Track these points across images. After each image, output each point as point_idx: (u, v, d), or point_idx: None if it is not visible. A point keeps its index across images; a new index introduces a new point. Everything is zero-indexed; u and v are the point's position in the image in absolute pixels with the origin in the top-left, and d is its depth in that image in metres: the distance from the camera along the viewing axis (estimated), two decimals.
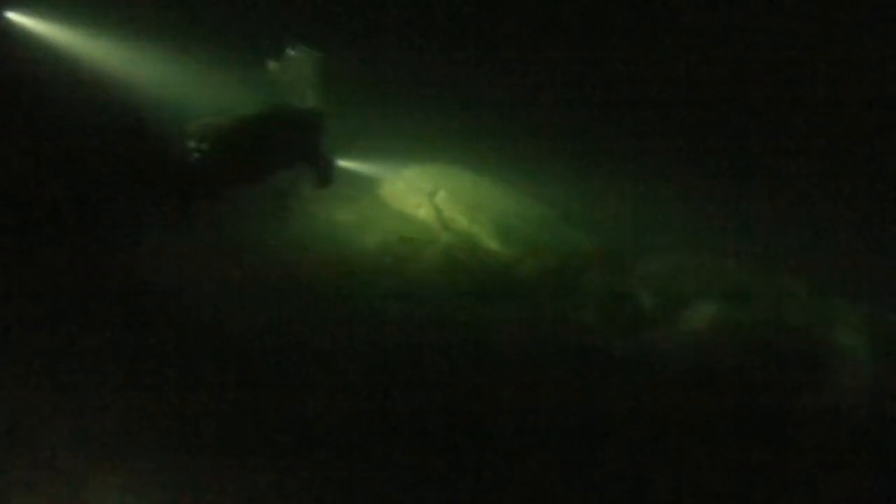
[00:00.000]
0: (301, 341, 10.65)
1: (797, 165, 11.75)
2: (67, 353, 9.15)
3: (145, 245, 10.86)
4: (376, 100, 12.37)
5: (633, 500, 9.74)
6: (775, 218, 11.87)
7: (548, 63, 12.47)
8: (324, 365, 10.41)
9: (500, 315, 12.22)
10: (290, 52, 11.43)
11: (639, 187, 12.71)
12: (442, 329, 11.79)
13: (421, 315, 11.98)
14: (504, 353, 11.58)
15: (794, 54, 11.57)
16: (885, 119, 11.00)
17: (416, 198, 13.93)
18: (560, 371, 11.44)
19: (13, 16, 11.98)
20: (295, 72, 11.52)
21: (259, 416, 9.24)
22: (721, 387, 11.42)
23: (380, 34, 12.15)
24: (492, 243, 13.70)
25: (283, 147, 10.71)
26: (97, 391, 8.76)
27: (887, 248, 11.21)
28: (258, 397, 9.55)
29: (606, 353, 11.85)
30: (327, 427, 9.51)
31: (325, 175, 11.30)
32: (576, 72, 12.34)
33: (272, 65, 11.38)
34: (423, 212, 13.88)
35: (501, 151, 13.14)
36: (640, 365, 11.73)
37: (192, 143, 9.96)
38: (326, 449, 9.09)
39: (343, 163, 12.12)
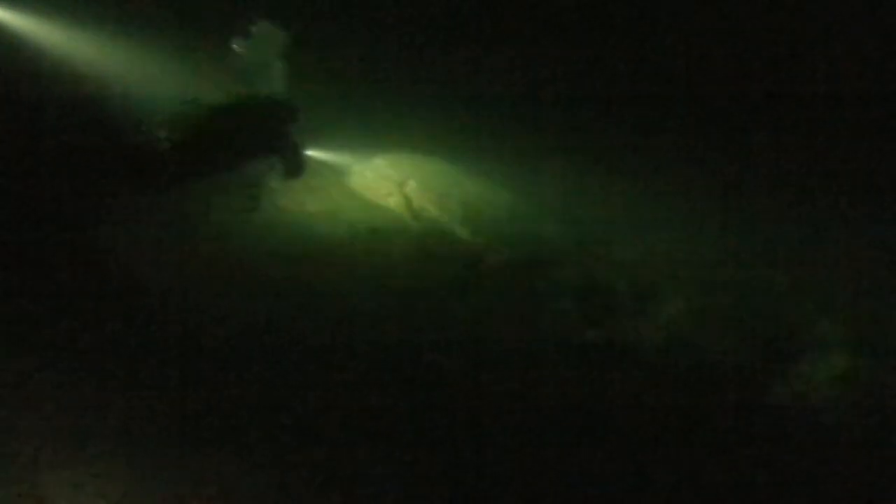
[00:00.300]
0: (269, 333, 10.49)
1: (776, 158, 11.79)
2: (40, 347, 8.93)
3: (114, 236, 10.61)
4: (345, 87, 12.13)
5: (607, 486, 9.77)
6: (755, 211, 11.89)
7: (517, 52, 12.33)
8: (294, 357, 10.29)
9: (473, 305, 12.14)
10: (255, 30, 11.20)
11: (611, 176, 12.64)
12: (413, 319, 11.70)
13: (392, 305, 11.87)
14: (477, 342, 11.53)
15: (764, 50, 11.60)
16: (867, 115, 11.08)
17: (386, 187, 13.78)
18: (534, 360, 11.43)
19: None
20: (260, 51, 11.29)
21: (233, 409, 9.13)
22: (695, 375, 11.49)
23: (348, 20, 11.89)
24: (463, 232, 13.60)
25: (254, 137, 10.44)
26: (66, 385, 8.61)
27: (873, 243, 11.30)
28: (229, 390, 9.45)
29: (581, 342, 11.85)
30: (303, 418, 9.47)
31: (294, 165, 11.04)
32: (545, 61, 12.22)
33: (237, 44, 11.14)
34: (393, 201, 13.73)
35: (471, 140, 12.99)
36: (614, 354, 11.75)
37: (161, 133, 9.70)
38: (303, 441, 9.03)
39: (311, 152, 11.86)
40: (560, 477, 9.91)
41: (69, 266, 10.11)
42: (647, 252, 13.23)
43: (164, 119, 9.87)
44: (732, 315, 12.09)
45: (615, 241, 13.42)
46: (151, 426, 8.42)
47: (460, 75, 12.43)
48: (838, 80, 10.93)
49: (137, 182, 9.72)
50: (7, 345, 8.72)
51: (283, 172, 11.11)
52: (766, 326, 11.85)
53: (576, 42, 12.29)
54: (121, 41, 11.82)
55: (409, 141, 13.05)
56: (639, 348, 11.91)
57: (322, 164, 12.85)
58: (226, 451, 8.46)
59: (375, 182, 13.80)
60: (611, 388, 11.28)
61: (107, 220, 10.67)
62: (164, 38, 11.74)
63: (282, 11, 10.87)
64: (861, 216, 11.36)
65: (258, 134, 10.52)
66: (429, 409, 10.30)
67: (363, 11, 11.98)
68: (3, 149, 10.51)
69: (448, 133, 12.71)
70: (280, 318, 10.99)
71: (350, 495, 8.48)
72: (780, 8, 10.89)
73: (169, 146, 9.65)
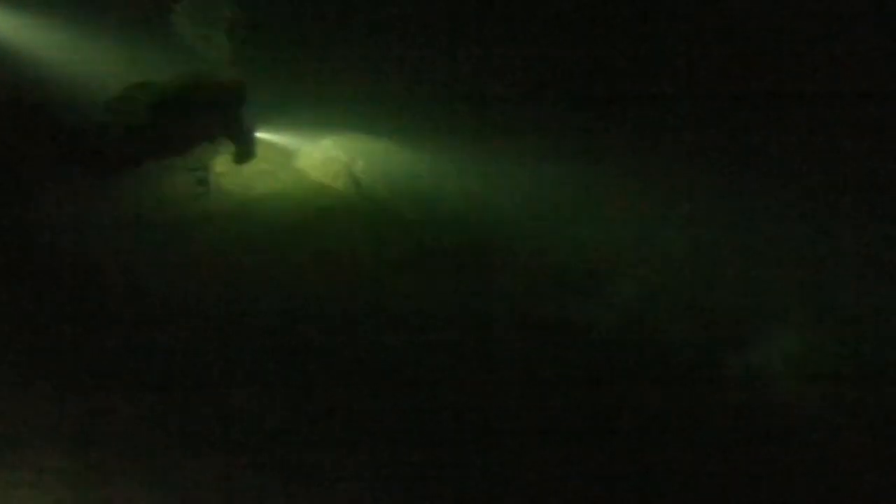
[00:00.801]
0: (216, 314, 10.50)
1: (735, 146, 11.92)
2: None
3: (62, 219, 10.42)
4: (291, 66, 11.91)
5: (557, 464, 9.95)
6: (707, 190, 11.98)
7: (464, 32, 12.28)
8: (242, 336, 10.30)
9: (422, 284, 12.14)
10: None
11: (562, 156, 12.60)
12: (363, 298, 11.67)
13: (341, 286, 11.83)
14: (426, 322, 11.55)
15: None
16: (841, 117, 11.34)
17: (334, 168, 13.64)
18: (485, 338, 11.49)
19: None
20: (203, 18, 11.10)
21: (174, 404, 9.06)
22: (649, 353, 11.61)
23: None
24: (412, 213, 13.57)
25: (204, 119, 10.29)
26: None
27: (827, 221, 11.48)
28: (177, 374, 9.42)
29: (532, 321, 11.90)
30: (247, 395, 9.44)
31: (244, 148, 10.92)
32: (496, 43, 12.20)
33: (179, 8, 10.96)
34: (341, 182, 13.61)
35: (419, 120, 12.87)
36: (566, 333, 11.84)
37: (112, 116, 9.50)
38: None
39: (259, 134, 11.65)
40: (508, 453, 10.03)
41: (17, 251, 9.92)
42: (600, 231, 13.15)
43: (113, 102, 9.66)
44: (686, 292, 12.16)
45: (568, 221, 13.34)
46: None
47: (408, 55, 12.35)
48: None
49: (88, 165, 9.49)
50: None
51: (234, 156, 11.00)
52: (721, 304, 12.00)
53: (528, 26, 12.30)
54: (63, 22, 11.42)
55: (357, 121, 12.83)
56: (592, 327, 11.99)
57: (270, 146, 12.65)
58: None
59: (323, 163, 13.66)
60: (563, 368, 11.37)
61: (54, 204, 10.44)
62: (106, 16, 11.38)
63: None
64: (815, 197, 11.53)
65: (208, 116, 10.39)
66: (379, 387, 10.34)
67: None
68: None
69: (396, 113, 12.58)
70: (229, 300, 10.88)
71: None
72: (781, 8, 11.08)
73: (120, 130, 9.46)
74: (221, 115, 10.49)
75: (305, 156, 13.68)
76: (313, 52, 11.88)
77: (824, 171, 11.63)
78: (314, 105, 12.07)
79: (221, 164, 11.57)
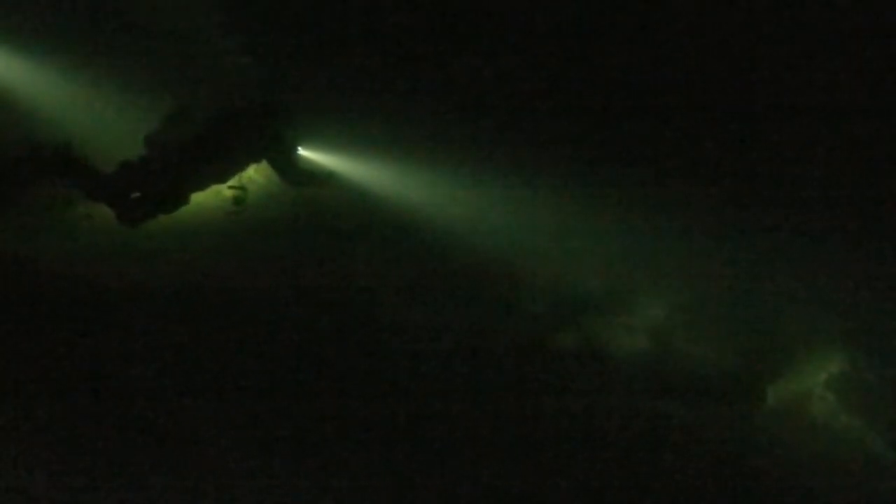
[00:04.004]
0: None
1: (766, 164, 11.79)
2: None
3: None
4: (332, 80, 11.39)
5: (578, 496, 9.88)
6: (742, 213, 11.80)
7: (510, 56, 12.00)
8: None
9: (444, 305, 11.89)
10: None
11: (591, 175, 12.31)
12: (371, 325, 11.44)
13: (358, 305, 11.63)
14: (448, 344, 11.36)
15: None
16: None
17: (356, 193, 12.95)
18: (504, 363, 11.35)
19: None
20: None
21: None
22: (679, 381, 11.52)
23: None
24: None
25: (249, 144, 9.91)
26: None
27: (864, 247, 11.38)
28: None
29: (552, 346, 11.75)
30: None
31: (291, 170, 10.50)
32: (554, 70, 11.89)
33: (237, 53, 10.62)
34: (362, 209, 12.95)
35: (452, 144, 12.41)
36: (587, 357, 11.71)
37: (152, 151, 9.18)
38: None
39: (311, 154, 11.14)
40: (529, 485, 9.92)
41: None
42: (625, 253, 12.79)
43: (151, 136, 9.39)
44: (719, 318, 11.85)
45: (591, 243, 12.97)
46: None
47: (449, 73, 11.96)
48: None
49: (127, 207, 9.08)
50: None
51: (281, 179, 10.65)
52: (756, 330, 11.74)
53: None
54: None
55: (403, 143, 12.24)
56: (616, 354, 11.83)
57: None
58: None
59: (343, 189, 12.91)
60: (585, 395, 11.22)
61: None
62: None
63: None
64: (852, 219, 11.39)
65: (252, 140, 10.02)
66: (402, 415, 10.24)
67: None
68: None
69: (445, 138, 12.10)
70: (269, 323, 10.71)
71: None
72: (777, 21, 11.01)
73: (164, 165, 9.14)
74: (263, 138, 10.10)
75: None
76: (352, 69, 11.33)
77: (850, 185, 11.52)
78: (360, 124, 11.47)
79: (259, 185, 11.16)
